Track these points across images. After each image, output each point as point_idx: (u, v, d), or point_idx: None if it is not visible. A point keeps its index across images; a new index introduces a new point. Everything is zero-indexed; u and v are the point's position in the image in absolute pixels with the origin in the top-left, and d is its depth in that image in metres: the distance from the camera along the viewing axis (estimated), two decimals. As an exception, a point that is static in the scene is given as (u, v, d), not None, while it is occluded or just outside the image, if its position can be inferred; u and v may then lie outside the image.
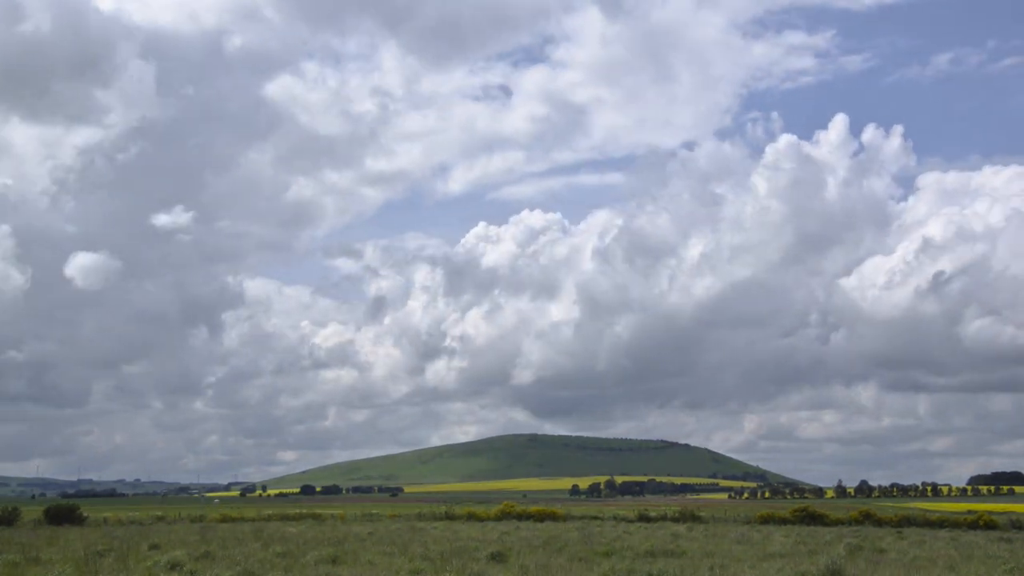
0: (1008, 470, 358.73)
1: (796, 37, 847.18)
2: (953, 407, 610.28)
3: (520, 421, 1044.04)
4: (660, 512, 74.46)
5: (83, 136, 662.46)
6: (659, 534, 47.00)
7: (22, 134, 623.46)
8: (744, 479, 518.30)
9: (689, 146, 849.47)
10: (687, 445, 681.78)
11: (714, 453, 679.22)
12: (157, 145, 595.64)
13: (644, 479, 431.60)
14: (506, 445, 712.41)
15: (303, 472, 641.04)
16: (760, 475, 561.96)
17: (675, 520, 68.31)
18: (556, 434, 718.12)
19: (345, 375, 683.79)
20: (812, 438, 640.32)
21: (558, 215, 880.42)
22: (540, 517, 68.01)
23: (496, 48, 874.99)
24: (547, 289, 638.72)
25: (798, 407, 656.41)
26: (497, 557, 30.25)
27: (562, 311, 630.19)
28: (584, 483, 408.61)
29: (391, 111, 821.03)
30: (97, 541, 38.14)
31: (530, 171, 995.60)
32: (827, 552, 32.63)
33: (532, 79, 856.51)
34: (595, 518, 72.35)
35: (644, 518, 69.66)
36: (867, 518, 65.55)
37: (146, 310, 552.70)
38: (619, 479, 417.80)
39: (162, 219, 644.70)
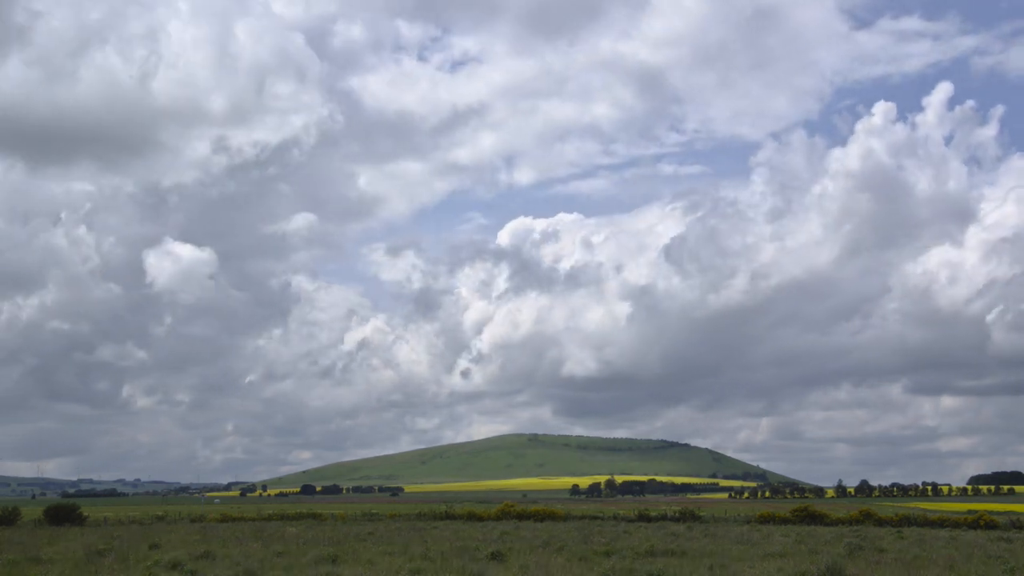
0: (1008, 470, 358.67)
1: (909, 23, 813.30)
2: (978, 408, 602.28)
3: (545, 420, 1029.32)
4: (660, 512, 74.47)
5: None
6: (659, 534, 46.95)
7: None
8: (744, 479, 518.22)
9: (777, 136, 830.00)
10: (687, 445, 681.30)
11: (714, 453, 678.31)
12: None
13: (644, 479, 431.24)
14: (506, 445, 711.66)
15: (303, 472, 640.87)
16: (760, 475, 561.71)
17: (675, 520, 68.31)
18: (556, 434, 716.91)
19: (382, 375, 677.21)
20: (822, 438, 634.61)
21: (617, 210, 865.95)
22: (540, 517, 68.00)
23: (584, 34, 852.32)
24: (597, 287, 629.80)
25: (818, 407, 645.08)
26: (497, 557, 30.22)
27: (611, 310, 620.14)
28: (584, 483, 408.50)
29: (477, 102, 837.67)
30: (97, 541, 38.12)
31: (602, 163, 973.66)
32: (827, 552, 32.60)
33: (619, 64, 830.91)
34: (595, 518, 72.34)
35: (644, 518, 69.67)
36: (867, 518, 65.50)
37: (206, 310, 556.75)
38: (619, 479, 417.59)
39: (270, 227, 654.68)
